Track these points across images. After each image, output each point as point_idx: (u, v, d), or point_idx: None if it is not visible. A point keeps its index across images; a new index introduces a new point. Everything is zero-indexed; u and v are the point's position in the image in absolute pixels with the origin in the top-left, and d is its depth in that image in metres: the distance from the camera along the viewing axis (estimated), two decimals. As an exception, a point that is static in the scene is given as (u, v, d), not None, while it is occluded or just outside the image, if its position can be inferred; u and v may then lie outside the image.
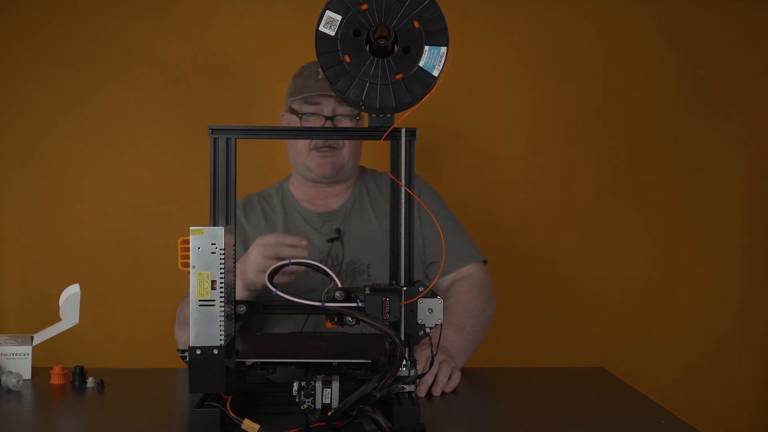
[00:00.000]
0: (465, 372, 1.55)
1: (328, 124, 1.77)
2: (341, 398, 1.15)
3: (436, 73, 1.18)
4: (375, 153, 1.20)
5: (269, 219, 1.85)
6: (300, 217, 1.84)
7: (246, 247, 1.63)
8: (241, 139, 1.27)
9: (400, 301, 1.19)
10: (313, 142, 1.79)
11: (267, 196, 1.91)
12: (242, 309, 1.29)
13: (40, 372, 1.52)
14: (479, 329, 1.67)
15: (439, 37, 1.18)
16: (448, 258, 1.77)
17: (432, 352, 1.33)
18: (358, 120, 1.82)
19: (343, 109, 1.78)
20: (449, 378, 1.45)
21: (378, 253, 1.71)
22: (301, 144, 1.80)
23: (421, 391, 1.42)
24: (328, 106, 1.78)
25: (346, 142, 1.79)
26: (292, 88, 1.85)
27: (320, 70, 1.19)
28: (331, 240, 1.78)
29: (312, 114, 1.78)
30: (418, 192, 1.85)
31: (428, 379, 1.44)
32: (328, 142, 1.77)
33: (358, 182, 1.89)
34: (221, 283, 1.14)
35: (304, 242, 1.47)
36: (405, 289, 1.20)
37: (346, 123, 1.79)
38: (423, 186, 1.91)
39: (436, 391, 1.43)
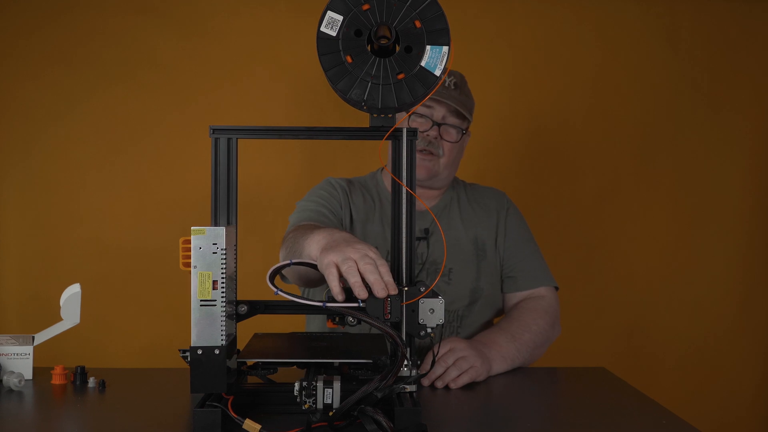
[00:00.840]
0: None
1: (435, 129, 1.76)
2: (342, 398, 1.14)
3: (438, 73, 1.18)
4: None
5: (368, 203, 1.84)
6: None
7: (350, 218, 1.77)
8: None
9: (402, 302, 1.19)
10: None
11: (364, 183, 1.90)
12: (243, 309, 1.29)
13: (41, 372, 1.52)
14: (532, 346, 1.66)
15: (440, 37, 1.18)
16: (526, 276, 1.82)
17: (434, 352, 1.33)
18: (464, 133, 1.80)
19: (453, 119, 1.76)
20: (459, 375, 1.47)
21: (460, 258, 1.78)
22: None
23: (427, 380, 1.45)
24: (439, 112, 1.76)
25: (445, 151, 1.77)
26: None
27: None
28: (418, 239, 1.79)
29: (421, 116, 1.76)
30: (507, 208, 1.88)
31: (438, 370, 1.46)
32: (428, 147, 1.75)
33: (449, 190, 1.90)
34: (222, 283, 1.13)
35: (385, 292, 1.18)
36: (406, 289, 1.20)
37: (452, 133, 1.77)
38: (510, 205, 1.91)
39: (439, 384, 1.45)
